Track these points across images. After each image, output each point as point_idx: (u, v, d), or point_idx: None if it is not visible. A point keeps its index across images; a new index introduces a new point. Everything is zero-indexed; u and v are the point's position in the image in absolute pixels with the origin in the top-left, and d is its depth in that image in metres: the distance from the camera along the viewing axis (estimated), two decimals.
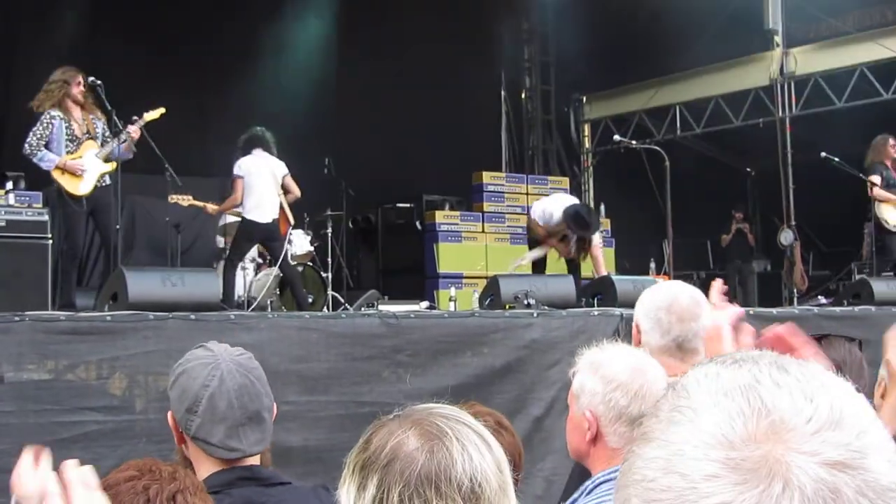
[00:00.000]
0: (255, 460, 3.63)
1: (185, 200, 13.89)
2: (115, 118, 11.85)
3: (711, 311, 2.63)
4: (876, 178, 15.31)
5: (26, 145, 11.53)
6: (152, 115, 12.26)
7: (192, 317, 8.14)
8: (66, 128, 11.67)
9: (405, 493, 2.19)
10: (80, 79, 11.75)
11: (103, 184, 11.81)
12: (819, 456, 1.15)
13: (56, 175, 11.55)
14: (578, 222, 13.98)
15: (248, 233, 13.42)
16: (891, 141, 15.58)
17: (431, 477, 2.19)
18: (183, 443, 3.64)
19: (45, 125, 11.60)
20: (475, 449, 2.24)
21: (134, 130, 11.85)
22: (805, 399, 1.20)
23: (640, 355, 3.90)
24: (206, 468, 3.54)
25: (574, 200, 14.79)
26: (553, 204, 14.36)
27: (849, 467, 1.15)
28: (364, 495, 2.25)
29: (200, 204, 14.39)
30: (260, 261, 14.35)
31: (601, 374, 3.75)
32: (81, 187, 11.59)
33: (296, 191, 13.75)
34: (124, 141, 11.75)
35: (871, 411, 1.24)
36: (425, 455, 2.22)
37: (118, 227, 11.75)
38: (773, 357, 1.28)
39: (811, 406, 1.19)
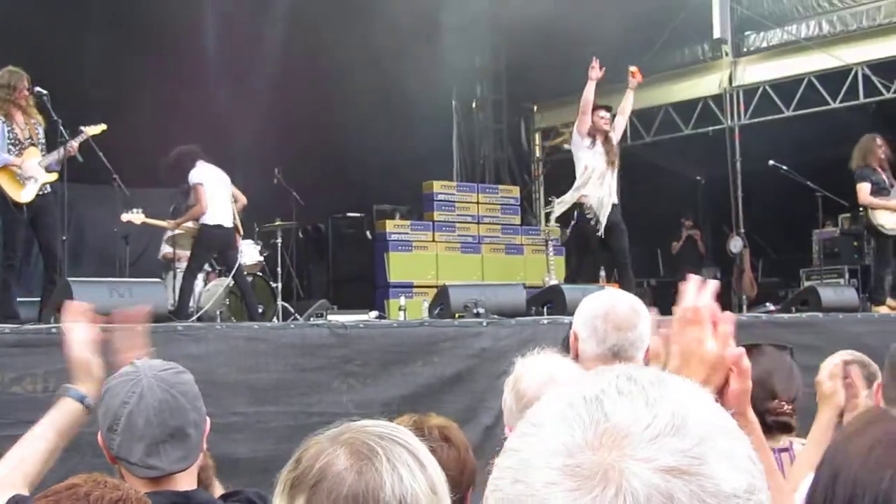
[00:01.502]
0: (189, 482, 3.55)
1: (138, 219, 13.82)
2: (62, 129, 11.73)
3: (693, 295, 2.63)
4: (866, 186, 14.95)
5: None
6: (93, 130, 12.13)
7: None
8: (8, 131, 11.44)
9: None
10: (26, 83, 11.58)
11: (44, 191, 11.64)
12: (654, 462, 1.16)
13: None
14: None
15: (209, 240, 13.38)
16: (878, 141, 15.17)
17: (358, 498, 2.16)
18: (115, 462, 3.59)
19: None
20: (406, 469, 2.20)
21: (73, 147, 11.71)
22: (646, 406, 1.22)
23: (558, 368, 3.86)
24: (134, 486, 3.46)
25: None
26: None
27: (685, 473, 1.16)
28: None
29: (156, 222, 14.31)
30: (209, 269, 14.28)
31: (516, 389, 3.75)
32: (24, 195, 11.37)
33: (243, 199, 13.78)
34: (66, 155, 11.62)
35: (725, 420, 1.26)
36: (353, 476, 2.18)
37: (65, 237, 11.65)
38: (629, 370, 1.29)
39: (650, 413, 1.21)
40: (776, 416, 4.96)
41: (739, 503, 1.18)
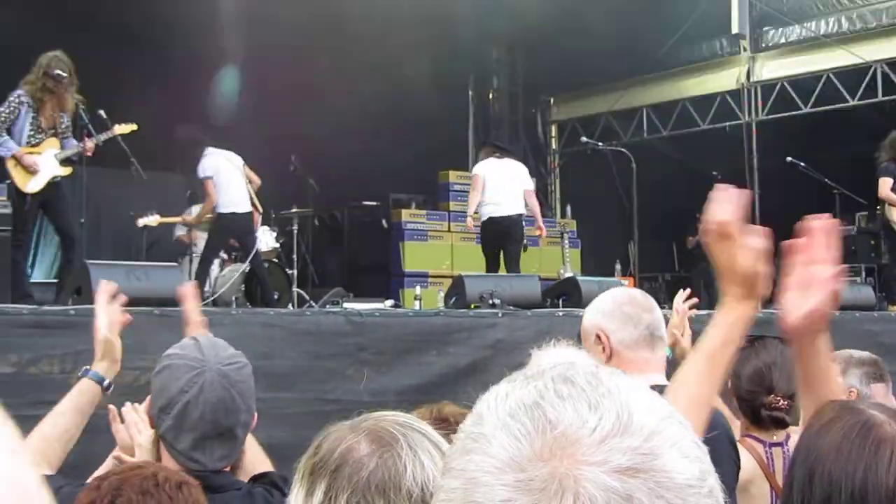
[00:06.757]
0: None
1: (155, 221, 13.87)
2: (82, 112, 11.70)
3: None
4: (888, 181, 14.74)
5: None
6: (122, 129, 12.07)
7: (156, 312, 8.10)
8: (33, 118, 11.37)
9: (352, 499, 2.15)
10: (67, 77, 11.40)
11: (55, 180, 11.54)
12: (608, 465, 1.15)
13: (9, 165, 11.31)
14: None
15: (226, 227, 13.42)
16: None
17: (380, 484, 2.16)
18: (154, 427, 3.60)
19: (11, 109, 11.27)
20: (428, 457, 2.20)
21: (89, 147, 11.63)
22: (589, 409, 1.20)
23: (575, 360, 3.87)
24: (166, 461, 3.48)
25: None
26: None
27: (640, 471, 1.15)
28: (311, 501, 2.21)
29: (172, 220, 14.35)
30: (224, 256, 14.29)
31: None
32: (31, 184, 11.27)
33: (256, 179, 13.80)
34: (83, 153, 11.58)
35: (667, 409, 1.24)
36: (375, 461, 2.18)
37: (83, 220, 11.66)
38: (562, 370, 1.27)
39: (595, 415, 1.19)
40: (770, 410, 4.97)
41: (693, 492, 1.17)
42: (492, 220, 14.59)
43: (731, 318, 2.69)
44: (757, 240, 2.64)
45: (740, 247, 2.64)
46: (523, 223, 15.02)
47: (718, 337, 2.72)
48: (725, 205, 2.66)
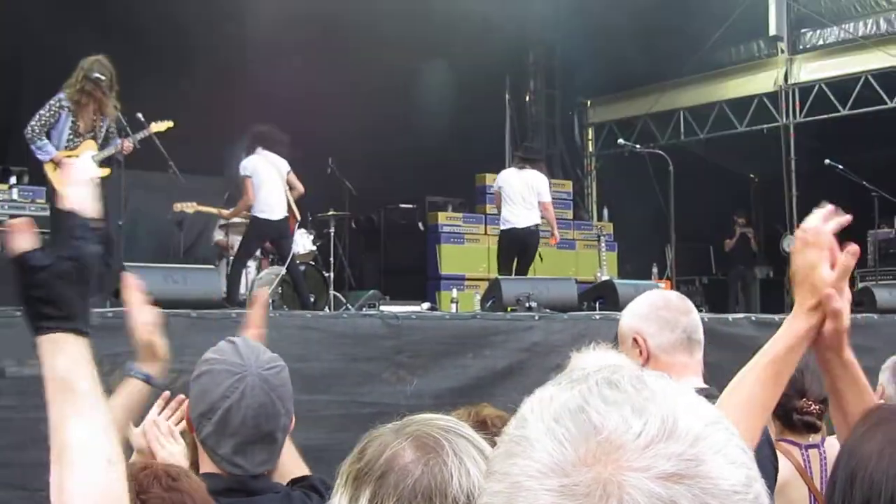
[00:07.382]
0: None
1: (191, 208, 13.89)
2: (120, 116, 11.73)
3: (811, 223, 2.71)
4: None
5: (29, 129, 11.33)
6: (159, 127, 12.12)
7: (194, 314, 8.13)
8: (72, 122, 11.46)
9: None
10: (106, 81, 11.51)
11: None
12: (652, 470, 1.14)
13: (48, 169, 11.41)
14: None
15: (259, 231, 13.46)
16: None
17: (426, 491, 2.15)
18: (194, 432, 3.60)
19: (52, 112, 11.38)
20: (473, 463, 2.18)
21: (126, 147, 11.68)
22: (634, 414, 1.19)
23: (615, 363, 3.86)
24: (206, 465, 3.50)
25: None
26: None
27: (685, 477, 1.14)
28: None
29: (209, 210, 14.39)
30: (261, 256, 14.33)
31: None
32: None
33: (300, 187, 13.80)
34: (120, 152, 11.61)
35: (714, 414, 1.23)
36: (420, 468, 2.16)
37: (121, 223, 11.69)
38: (606, 373, 1.26)
39: (640, 420, 1.18)
40: (802, 414, 4.97)
41: (739, 498, 1.16)
42: (510, 231, 14.81)
43: (798, 327, 2.68)
44: (849, 259, 2.65)
45: (824, 258, 2.64)
46: (539, 235, 15.07)
47: (785, 343, 2.70)
48: (823, 218, 2.67)
